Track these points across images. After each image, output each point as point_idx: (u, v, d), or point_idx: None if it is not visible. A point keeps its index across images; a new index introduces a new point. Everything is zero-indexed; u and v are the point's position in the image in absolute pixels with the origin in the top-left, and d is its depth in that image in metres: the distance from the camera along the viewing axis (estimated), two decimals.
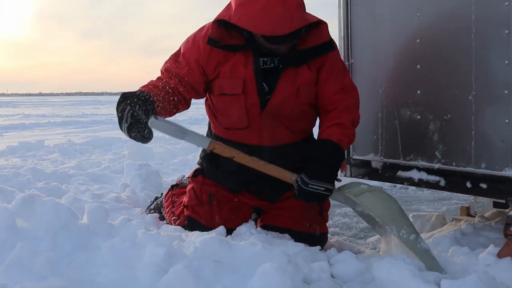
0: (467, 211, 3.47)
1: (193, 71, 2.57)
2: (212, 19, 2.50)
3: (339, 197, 2.55)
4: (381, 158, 3.04)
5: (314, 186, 2.40)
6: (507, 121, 2.44)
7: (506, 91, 2.43)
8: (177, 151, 6.34)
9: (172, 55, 2.67)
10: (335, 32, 3.25)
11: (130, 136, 2.28)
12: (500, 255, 2.39)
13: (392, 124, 2.98)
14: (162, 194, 3.25)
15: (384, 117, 3.02)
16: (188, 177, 2.95)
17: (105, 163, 5.21)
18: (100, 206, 2.23)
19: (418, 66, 2.81)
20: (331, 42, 2.54)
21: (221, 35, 2.46)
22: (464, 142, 2.63)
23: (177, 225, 2.76)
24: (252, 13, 2.29)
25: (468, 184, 2.63)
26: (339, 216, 3.75)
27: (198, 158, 2.91)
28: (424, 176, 2.82)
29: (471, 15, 2.54)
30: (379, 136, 3.04)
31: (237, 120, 2.60)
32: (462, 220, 3.25)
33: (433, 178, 2.79)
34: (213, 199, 2.69)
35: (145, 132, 2.26)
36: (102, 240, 2.07)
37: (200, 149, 2.86)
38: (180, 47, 2.64)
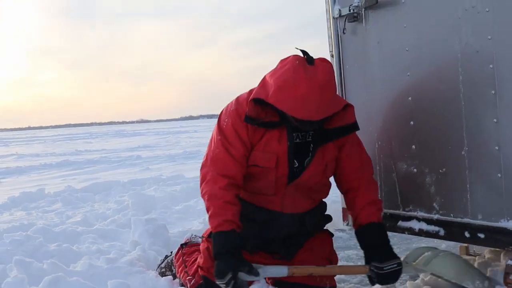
0: (466, 251, 3.60)
1: (246, 146, 2.67)
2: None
3: (409, 269, 2.75)
4: None
5: (388, 267, 2.63)
6: (499, 175, 2.59)
7: (497, 147, 2.58)
8: (178, 194, 6.47)
9: (217, 141, 2.69)
10: None
11: None
12: None
13: (390, 177, 3.13)
14: (171, 252, 3.36)
15: (382, 169, 3.17)
16: (203, 236, 3.05)
17: (110, 215, 5.31)
18: (122, 282, 2.35)
19: (412, 123, 2.96)
20: (356, 124, 2.73)
21: (257, 113, 2.59)
22: (460, 194, 2.77)
23: (192, 285, 2.87)
24: (292, 98, 2.42)
25: (467, 234, 2.77)
26: (342, 260, 3.86)
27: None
28: (424, 226, 2.96)
29: (459, 76, 2.70)
30: (378, 188, 3.18)
31: (264, 188, 2.75)
32: None
33: (432, 228, 2.93)
34: None
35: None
36: None
37: None
38: (222, 127, 2.69)
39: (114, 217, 5.05)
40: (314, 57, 2.52)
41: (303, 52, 2.53)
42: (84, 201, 6.83)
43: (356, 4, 3.14)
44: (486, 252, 3.49)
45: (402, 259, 2.73)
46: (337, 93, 3.32)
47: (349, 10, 3.17)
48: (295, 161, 2.70)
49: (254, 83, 2.74)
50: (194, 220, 4.87)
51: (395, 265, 2.63)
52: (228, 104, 2.77)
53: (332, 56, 3.38)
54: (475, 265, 3.14)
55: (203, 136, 29.88)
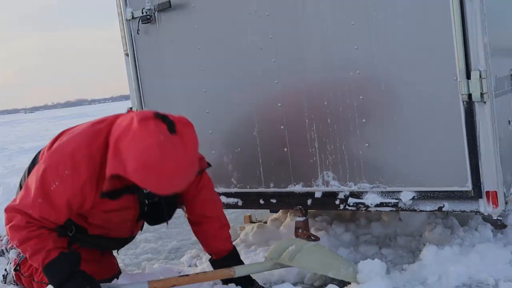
0: (249, 219, 4.17)
1: (73, 212, 2.51)
2: None
3: (275, 266, 2.78)
4: None
5: None
6: (285, 149, 3.17)
7: (282, 127, 3.16)
8: None
9: (36, 203, 2.37)
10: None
11: None
12: None
13: None
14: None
15: None
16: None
17: None
18: None
19: (207, 111, 3.41)
20: (201, 171, 2.70)
21: (112, 185, 2.38)
22: (254, 168, 3.31)
23: None
24: (157, 177, 2.22)
25: (261, 201, 3.33)
26: (144, 242, 4.13)
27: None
28: (224, 199, 3.42)
29: (247, 69, 3.24)
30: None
31: (118, 231, 2.85)
32: (249, 227, 3.87)
33: (232, 200, 3.43)
34: None
35: None
36: None
37: None
38: (47, 190, 2.37)
39: None
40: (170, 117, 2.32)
41: (162, 117, 2.29)
42: None
43: (149, 7, 3.46)
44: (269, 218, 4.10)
45: (266, 255, 2.87)
46: (134, 91, 3.63)
47: (142, 13, 3.48)
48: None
49: None
50: None
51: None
52: (55, 156, 2.45)
53: (127, 55, 3.66)
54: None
55: None
